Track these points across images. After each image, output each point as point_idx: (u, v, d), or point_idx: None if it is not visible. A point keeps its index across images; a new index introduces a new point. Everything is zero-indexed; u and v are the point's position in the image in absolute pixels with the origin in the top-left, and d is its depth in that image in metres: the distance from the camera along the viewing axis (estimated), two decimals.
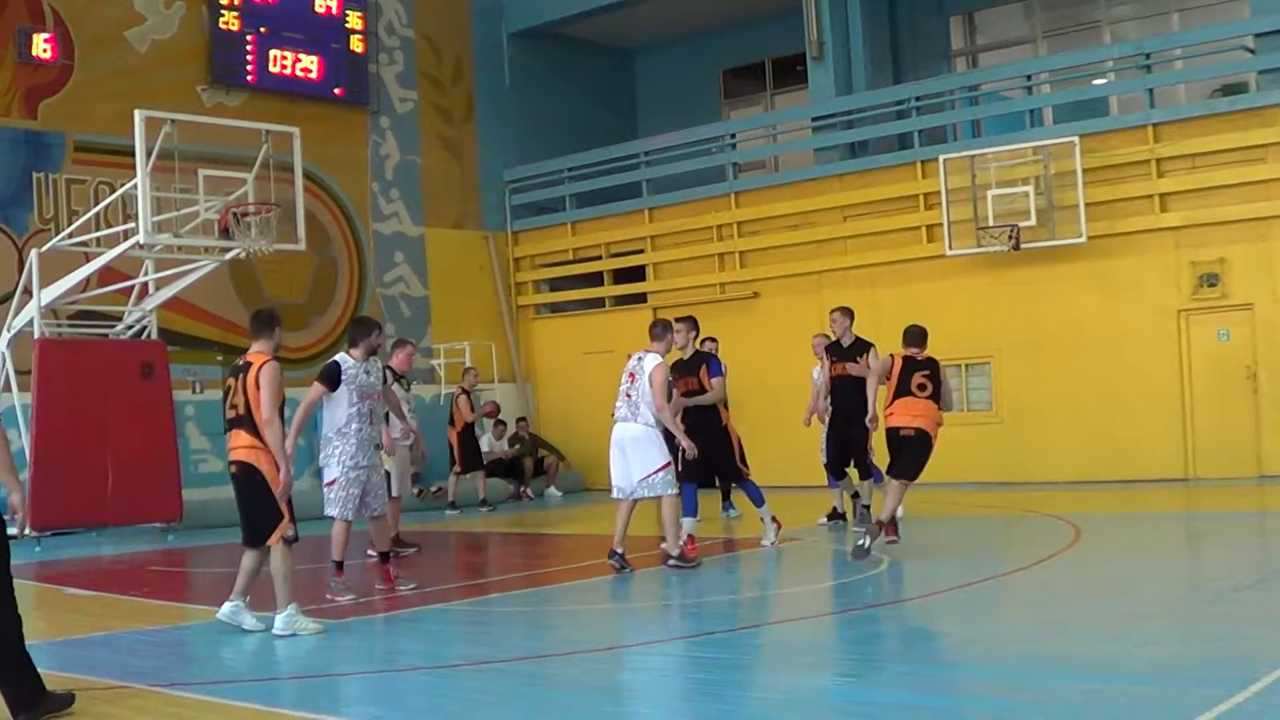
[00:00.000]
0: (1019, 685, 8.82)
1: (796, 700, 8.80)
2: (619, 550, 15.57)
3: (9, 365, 22.89)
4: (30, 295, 22.73)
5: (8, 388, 22.90)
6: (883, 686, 9.04)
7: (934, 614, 11.99)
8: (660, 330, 16.00)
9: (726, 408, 17.64)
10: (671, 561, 15.64)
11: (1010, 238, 25.49)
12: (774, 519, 17.49)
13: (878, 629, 11.40)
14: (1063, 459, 25.49)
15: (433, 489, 27.36)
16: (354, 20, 30.92)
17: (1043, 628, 11.07)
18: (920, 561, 15.83)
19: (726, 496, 22.37)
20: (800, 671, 9.97)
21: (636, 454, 15.53)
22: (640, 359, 15.75)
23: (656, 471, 15.49)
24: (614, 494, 15.88)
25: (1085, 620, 11.30)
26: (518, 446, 30.81)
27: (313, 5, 30.26)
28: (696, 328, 17.50)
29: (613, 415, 15.93)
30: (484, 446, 29.90)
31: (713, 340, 20.35)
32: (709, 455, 16.70)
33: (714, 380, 17.11)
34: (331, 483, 15.27)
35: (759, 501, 17.38)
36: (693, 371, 17.13)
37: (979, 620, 11.79)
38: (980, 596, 13.06)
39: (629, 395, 15.67)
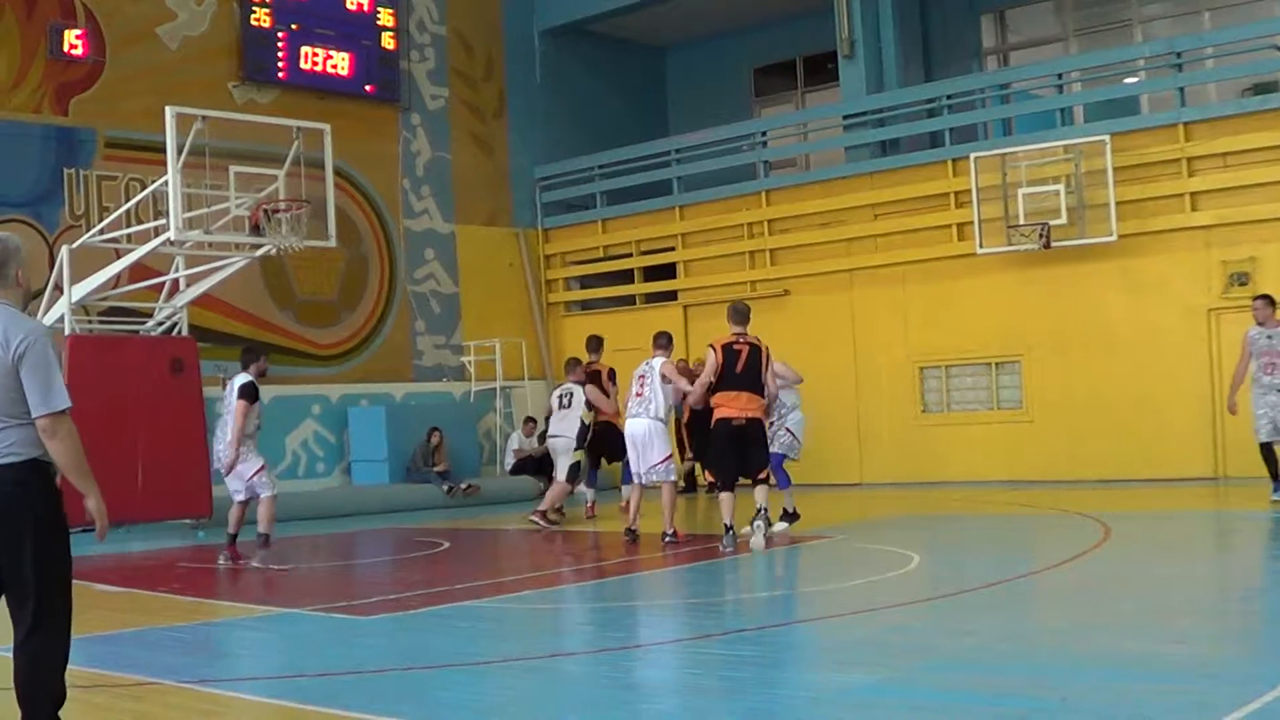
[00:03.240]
0: (1049, 683, 8.79)
1: (825, 698, 8.78)
2: (634, 528, 18.52)
3: None
4: (61, 291, 22.79)
5: None
6: (912, 684, 9.01)
7: (964, 612, 11.95)
8: (665, 341, 18.78)
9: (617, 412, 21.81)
10: (667, 539, 17.79)
11: (1041, 236, 25.43)
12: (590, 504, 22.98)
13: (907, 627, 11.37)
14: (1093, 458, 25.43)
15: (463, 486, 27.38)
16: (385, 17, 30.98)
17: (1073, 626, 11.03)
18: (950, 559, 15.82)
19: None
20: (828, 669, 9.95)
21: (647, 446, 18.12)
22: (649, 364, 18.39)
23: (662, 461, 18.13)
24: (631, 477, 18.83)
25: (1116, 618, 11.27)
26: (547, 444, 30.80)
27: (344, 2, 30.33)
28: (599, 348, 23.25)
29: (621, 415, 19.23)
30: (513, 444, 29.94)
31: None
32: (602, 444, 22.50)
33: (614, 388, 22.50)
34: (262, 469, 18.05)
35: (589, 482, 23.36)
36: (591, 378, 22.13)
37: (1009, 618, 11.75)
38: (1010, 595, 13.02)
39: (639, 395, 18.23)
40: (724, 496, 16.85)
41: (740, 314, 17.30)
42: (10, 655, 7.40)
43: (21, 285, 7.41)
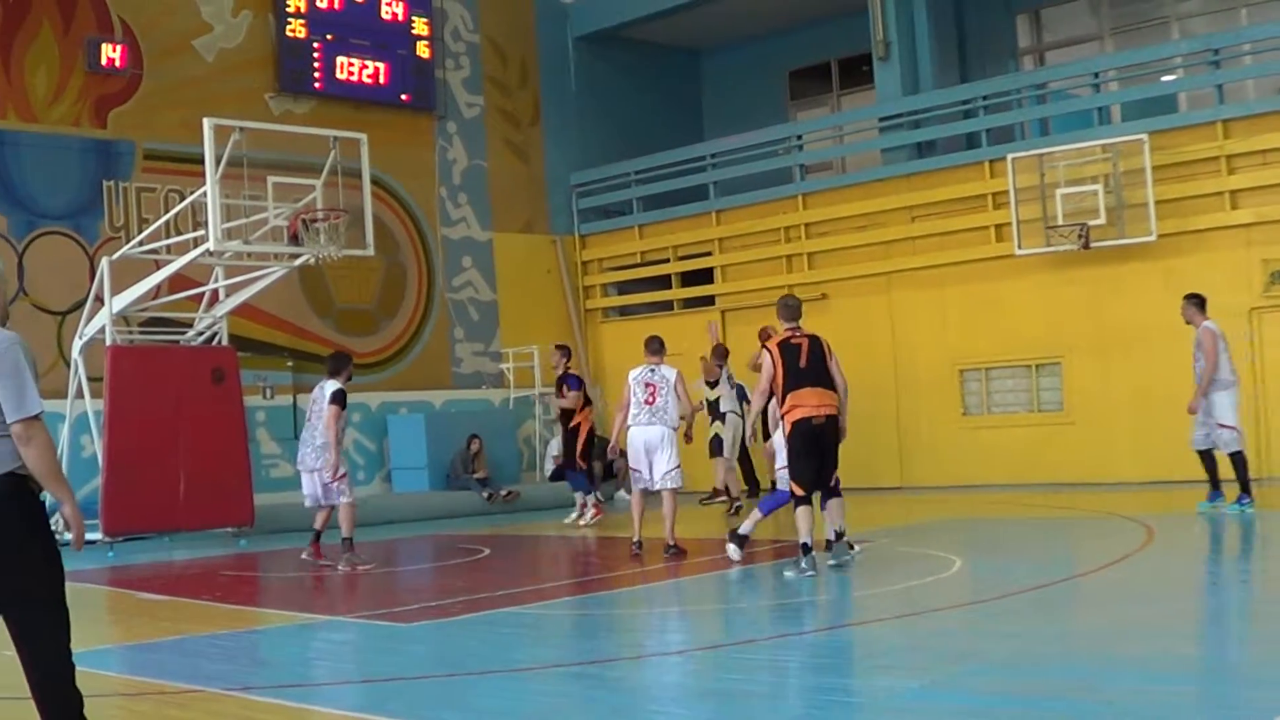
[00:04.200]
0: (1092, 686, 8.76)
1: (870, 703, 8.77)
2: (640, 539, 18.05)
3: (81, 372, 23.02)
4: (102, 303, 22.86)
5: (80, 395, 23.03)
6: (956, 689, 8.99)
7: (1007, 615, 11.92)
8: (660, 346, 18.82)
9: (581, 411, 23.74)
10: (670, 551, 17.54)
11: (1080, 236, 25.35)
12: (596, 504, 24.07)
13: (950, 631, 11.35)
14: (1135, 459, 25.34)
15: (503, 493, 27.41)
16: (420, 26, 31.03)
17: (1117, 629, 11.00)
18: (992, 563, 15.77)
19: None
20: (874, 674, 9.94)
21: (658, 453, 18.02)
22: (655, 371, 18.39)
23: (674, 469, 18.05)
24: (638, 484, 18.33)
25: (1159, 621, 11.23)
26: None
27: (379, 12, 30.38)
28: (569, 355, 24.76)
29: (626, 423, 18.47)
30: (552, 450, 29.95)
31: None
32: (567, 448, 23.93)
33: (570, 393, 23.63)
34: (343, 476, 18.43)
35: (584, 490, 24.09)
36: (559, 386, 23.91)
37: (1052, 622, 11.71)
38: (1053, 598, 12.98)
39: (650, 402, 18.19)
40: (802, 511, 15.05)
41: (792, 309, 15.68)
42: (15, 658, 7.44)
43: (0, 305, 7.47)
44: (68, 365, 23.66)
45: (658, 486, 18.17)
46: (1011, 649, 10.24)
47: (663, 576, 15.61)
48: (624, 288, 34.28)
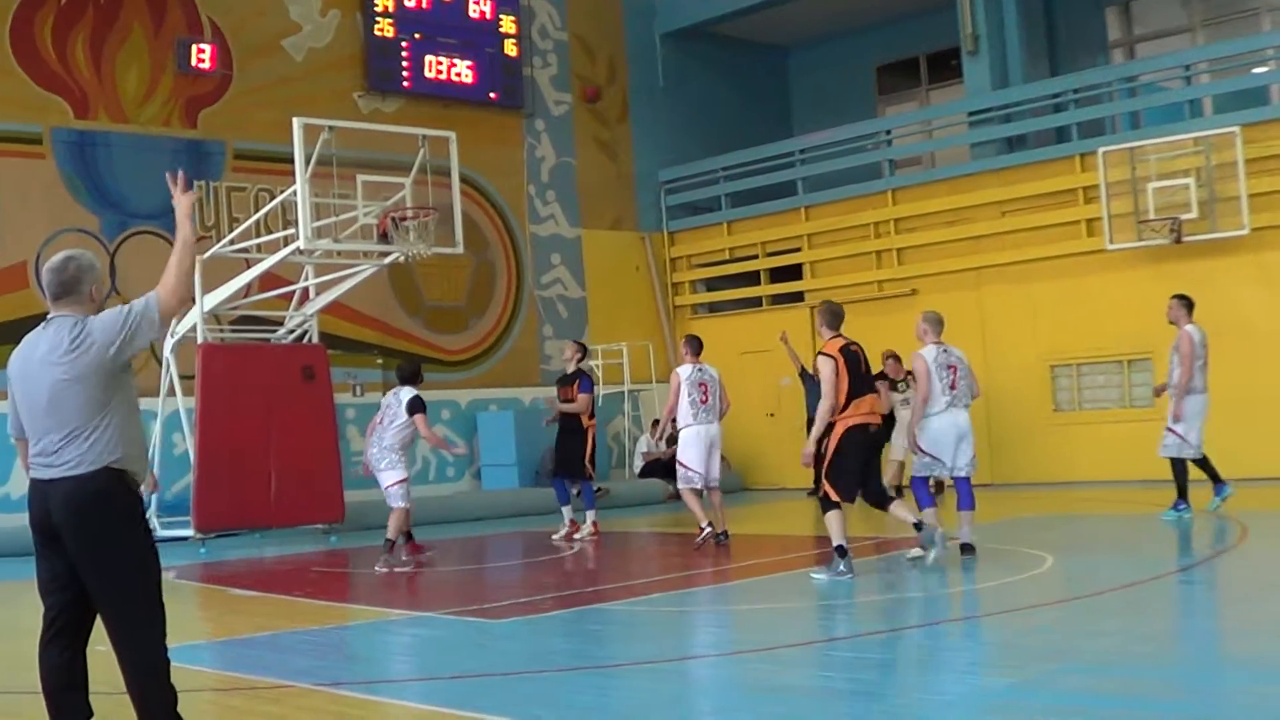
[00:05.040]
0: (1188, 687, 8.70)
1: (960, 701, 8.72)
2: (707, 527, 18.52)
3: (173, 370, 23.19)
4: (193, 302, 23.02)
5: (172, 392, 23.21)
6: (1047, 687, 8.93)
7: (1100, 613, 11.83)
8: (700, 345, 19.78)
9: (591, 416, 21.27)
10: (723, 539, 18.72)
11: (1171, 230, 25.17)
12: (594, 524, 21.29)
13: (1042, 629, 11.28)
14: (1229, 455, 25.02)
15: (595, 490, 27.40)
16: (507, 24, 31.08)
17: (1212, 627, 10.92)
18: (1085, 560, 15.67)
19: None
20: (963, 672, 9.89)
21: (716, 451, 19.09)
22: (703, 370, 19.34)
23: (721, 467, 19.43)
24: (694, 483, 18.87)
25: (1255, 620, 11.13)
26: (675, 446, 30.76)
27: (466, 10, 30.46)
28: (584, 353, 22.42)
29: (681, 421, 19.13)
30: (642, 447, 29.98)
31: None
32: (565, 453, 21.36)
33: (581, 395, 20.99)
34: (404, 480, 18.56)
35: (589, 504, 21.45)
36: (570, 384, 21.21)
37: (1146, 620, 11.61)
38: (1147, 596, 12.87)
39: (704, 402, 18.99)
40: (836, 514, 14.89)
41: (839, 316, 15.80)
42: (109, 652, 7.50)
43: (95, 300, 7.60)
44: (160, 364, 23.82)
45: (714, 484, 19.12)
46: (1104, 647, 10.16)
47: (750, 574, 15.58)
48: (713, 284, 34.23)
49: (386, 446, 18.46)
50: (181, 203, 7.80)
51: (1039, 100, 28.74)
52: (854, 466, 15.01)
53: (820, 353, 15.40)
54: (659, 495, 28.21)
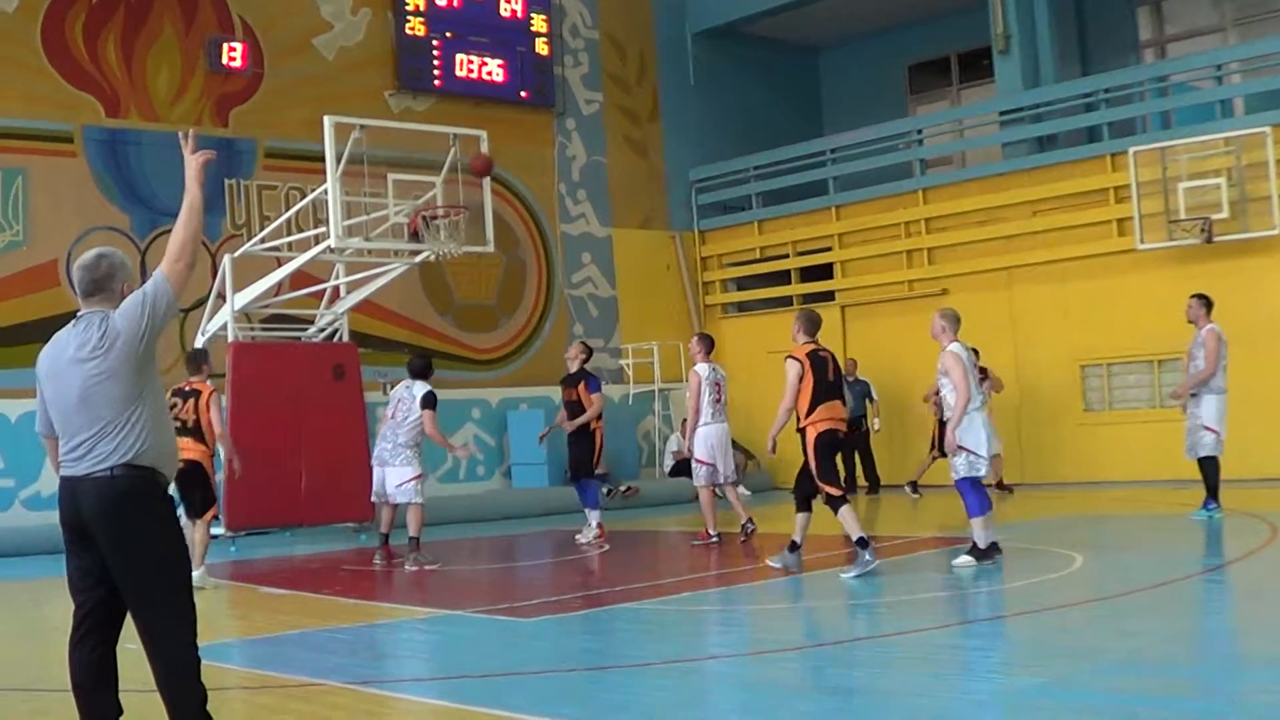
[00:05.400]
0: (1217, 687, 8.68)
1: (989, 701, 8.71)
2: (715, 535, 19.23)
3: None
4: (224, 300, 23.08)
5: None
6: (1079, 686, 8.91)
7: (1129, 613, 11.80)
8: (713, 344, 20.26)
9: (600, 417, 20.83)
10: (750, 530, 19.36)
11: (1202, 230, 25.10)
12: (600, 524, 20.69)
13: (1072, 628, 11.25)
14: (1258, 456, 25.01)
15: (622, 488, 27.38)
16: (538, 23, 31.11)
17: (1241, 628, 10.88)
18: (1115, 560, 15.63)
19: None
20: (993, 671, 9.87)
21: (729, 449, 19.80)
22: (717, 370, 19.84)
23: (735, 465, 20.36)
24: (714, 479, 19.54)
25: None
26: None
27: (497, 9, 30.49)
28: (589, 353, 21.48)
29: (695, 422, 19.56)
30: (672, 445, 29.98)
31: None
32: (580, 455, 20.71)
33: (593, 396, 20.41)
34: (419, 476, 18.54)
35: (593, 504, 20.84)
36: (574, 385, 20.60)
37: (1176, 620, 11.59)
38: (1177, 596, 12.84)
39: (719, 400, 19.56)
40: (848, 509, 15.18)
41: (816, 323, 16.05)
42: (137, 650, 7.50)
43: (125, 298, 7.56)
44: None
45: (730, 480, 19.82)
46: (1134, 647, 10.14)
47: (778, 573, 15.55)
48: (743, 283, 34.21)
49: (402, 443, 18.41)
50: (191, 163, 7.82)
51: (1070, 100, 28.66)
52: (835, 463, 15.60)
53: (789, 355, 15.65)
54: (689, 494, 28.14)
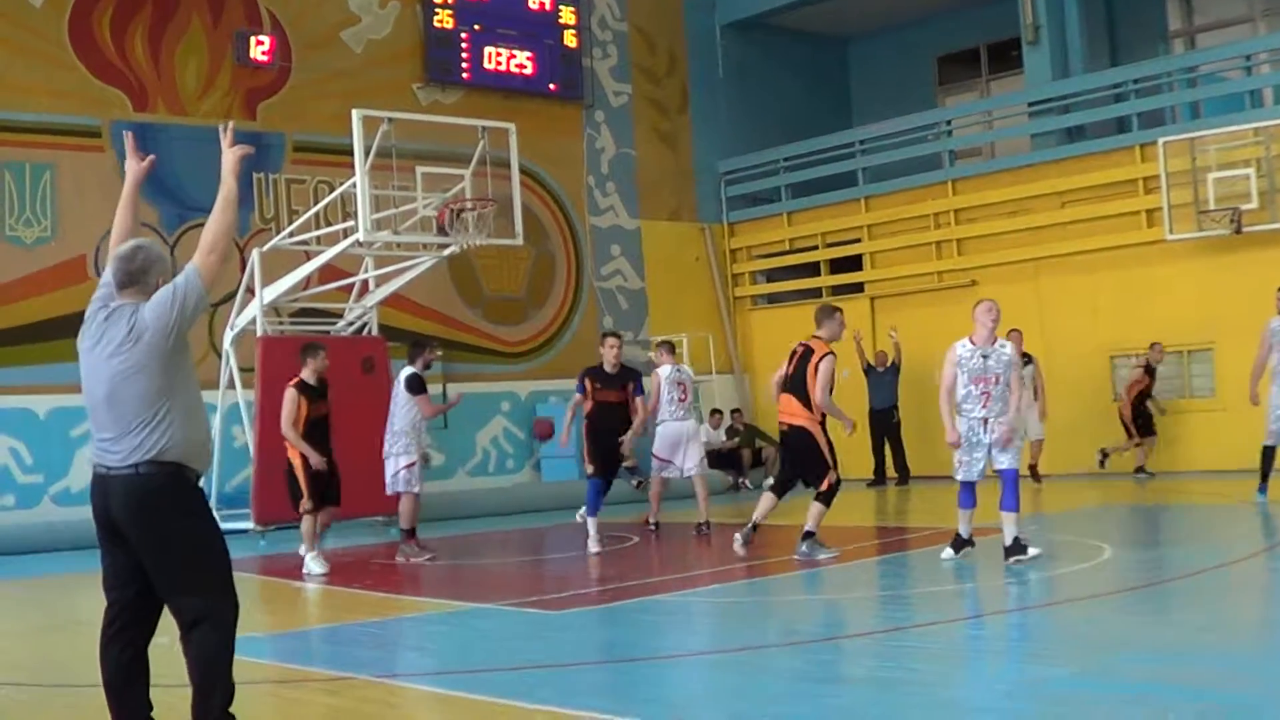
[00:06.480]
0: (1253, 676, 8.64)
1: (1020, 690, 8.68)
2: (654, 524, 20.94)
3: (232, 363, 23.30)
4: (252, 294, 23.12)
5: (231, 385, 23.32)
6: (1110, 676, 8.88)
7: (1159, 603, 11.78)
8: (673, 347, 21.59)
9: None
10: (704, 530, 20.11)
11: (1232, 221, 25.02)
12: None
13: (1102, 618, 11.22)
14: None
15: (635, 484, 27.30)
16: (567, 15, 31.08)
17: (1274, 618, 10.83)
18: (1146, 550, 15.61)
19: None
20: (1024, 661, 9.85)
21: (692, 444, 20.76)
22: (681, 370, 21.04)
23: (704, 458, 21.50)
24: (668, 473, 20.91)
25: None
26: (735, 439, 30.78)
27: (526, 2, 30.46)
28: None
29: (659, 418, 20.64)
30: (700, 436, 29.97)
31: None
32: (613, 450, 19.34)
33: (638, 399, 19.31)
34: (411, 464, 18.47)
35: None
36: (623, 384, 19.23)
37: (1207, 610, 11.54)
38: (1207, 586, 12.79)
39: (682, 400, 20.66)
40: (767, 496, 16.88)
41: (816, 317, 16.43)
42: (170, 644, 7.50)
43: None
44: (219, 356, 23.95)
45: (690, 474, 20.81)
46: (1164, 637, 10.11)
47: (806, 565, 15.53)
48: (772, 275, 34.18)
49: (397, 430, 18.47)
50: (228, 156, 7.81)
51: (1099, 90, 28.56)
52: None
53: (830, 352, 15.99)
54: (718, 486, 28.14)
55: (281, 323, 24.61)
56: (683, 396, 20.67)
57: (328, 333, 24.32)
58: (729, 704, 8.83)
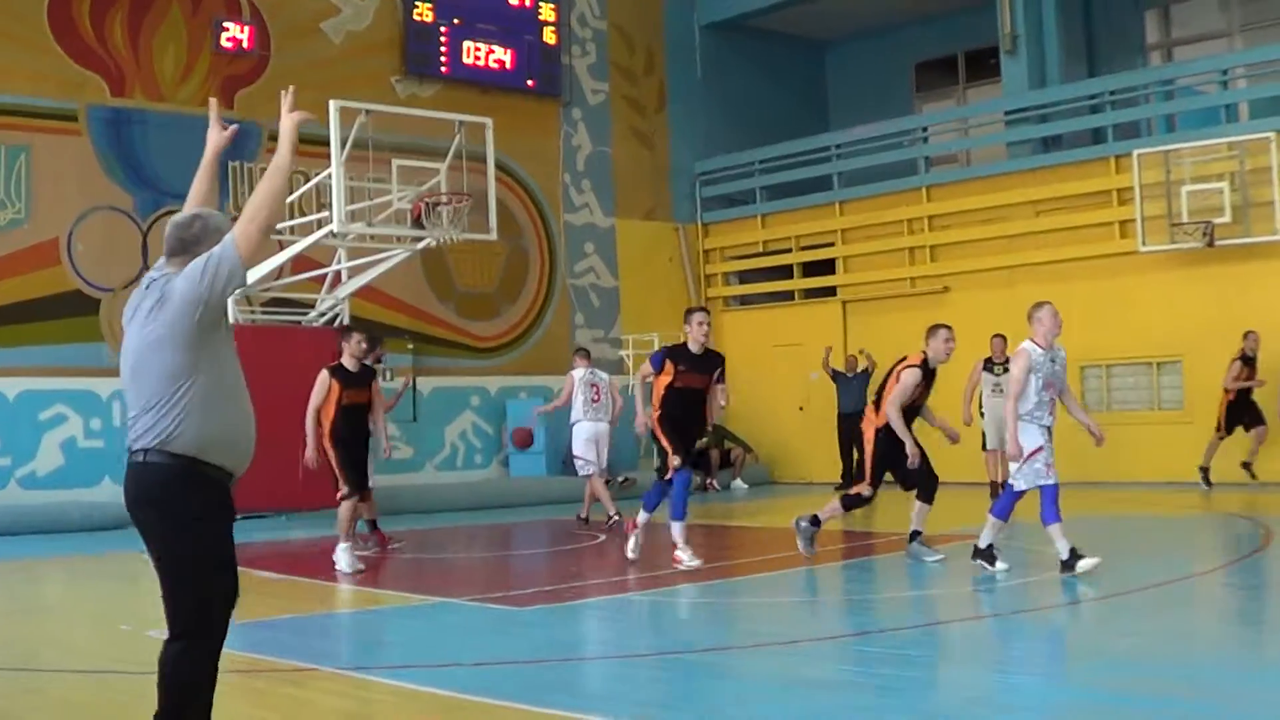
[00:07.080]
0: (1211, 686, 8.66)
1: (983, 698, 8.70)
2: (616, 516, 20.72)
3: None
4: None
5: None
6: (1071, 685, 8.91)
7: (1126, 613, 11.81)
8: (588, 353, 22.94)
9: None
10: (613, 521, 20.62)
11: (1204, 234, 25.11)
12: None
13: (1070, 628, 11.26)
14: (1256, 460, 25.01)
15: (620, 479, 27.37)
16: (547, 12, 31.09)
17: (1236, 629, 10.87)
18: (1111, 561, 15.63)
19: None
20: (987, 669, 9.86)
21: (604, 443, 21.74)
22: (595, 373, 22.02)
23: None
24: (589, 471, 21.54)
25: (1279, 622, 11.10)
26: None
27: None
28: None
29: (574, 418, 21.71)
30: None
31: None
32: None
33: (719, 386, 16.79)
34: None
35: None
36: (711, 369, 16.58)
37: (1171, 621, 11.58)
38: (1172, 597, 12.85)
39: (595, 401, 21.70)
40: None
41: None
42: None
43: None
44: None
45: (600, 473, 21.67)
46: (1130, 646, 10.14)
47: (777, 567, 15.55)
48: (745, 277, 34.21)
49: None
50: (285, 121, 7.31)
51: (1076, 101, 28.66)
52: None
53: (913, 365, 15.81)
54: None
55: (253, 312, 24.59)
56: (595, 398, 21.66)
57: (299, 323, 24.29)
58: (688, 704, 8.83)
